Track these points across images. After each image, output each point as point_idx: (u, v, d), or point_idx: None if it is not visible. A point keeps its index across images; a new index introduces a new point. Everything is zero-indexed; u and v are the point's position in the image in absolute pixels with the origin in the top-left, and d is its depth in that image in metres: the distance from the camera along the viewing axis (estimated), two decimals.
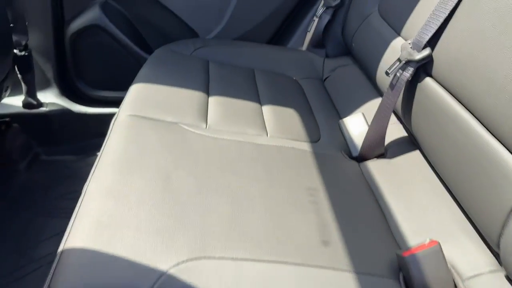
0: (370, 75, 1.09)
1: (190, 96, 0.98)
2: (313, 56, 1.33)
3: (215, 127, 0.90)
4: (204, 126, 0.89)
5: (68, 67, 1.43)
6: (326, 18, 1.27)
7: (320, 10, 1.28)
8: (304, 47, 1.38)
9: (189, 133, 0.84)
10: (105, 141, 0.80)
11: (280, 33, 1.48)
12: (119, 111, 0.88)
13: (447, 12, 0.73)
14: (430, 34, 0.75)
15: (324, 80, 1.28)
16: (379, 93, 1.07)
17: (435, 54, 0.76)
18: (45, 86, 1.43)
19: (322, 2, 1.28)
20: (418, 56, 0.76)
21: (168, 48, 1.23)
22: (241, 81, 1.14)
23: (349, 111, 1.08)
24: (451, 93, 0.74)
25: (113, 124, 0.84)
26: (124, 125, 0.82)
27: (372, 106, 1.06)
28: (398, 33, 0.97)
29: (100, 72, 1.46)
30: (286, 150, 0.86)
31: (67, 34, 1.37)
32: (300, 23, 1.44)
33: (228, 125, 0.91)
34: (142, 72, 1.07)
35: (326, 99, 1.16)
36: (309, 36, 1.36)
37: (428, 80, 0.78)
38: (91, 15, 1.35)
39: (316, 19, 1.31)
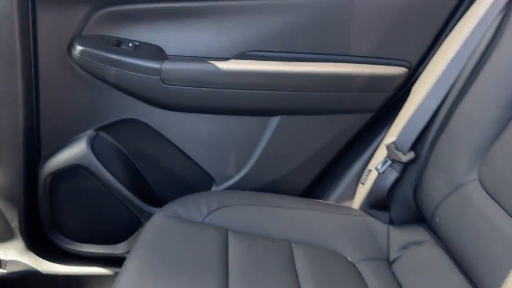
0: (472, 278, 0.71)
1: None
2: (372, 222, 0.96)
3: None
4: None
5: (40, 215, 1.08)
6: (393, 174, 0.92)
7: (383, 164, 0.93)
8: (356, 205, 1.02)
9: None
10: None
11: (318, 180, 1.11)
12: None
13: None
14: None
15: (392, 262, 0.89)
16: None
17: None
18: (7, 238, 1.07)
19: (386, 152, 0.94)
20: None
21: (172, 210, 0.88)
22: (275, 272, 0.77)
23: None
24: None
25: None
26: None
27: None
28: None
29: (83, 223, 1.11)
30: None
31: (41, 174, 1.03)
32: (346, 171, 1.08)
33: None
34: (128, 266, 0.70)
35: None
36: (362, 190, 1.01)
37: None
38: (75, 152, 1.02)
39: (373, 171, 0.97)
